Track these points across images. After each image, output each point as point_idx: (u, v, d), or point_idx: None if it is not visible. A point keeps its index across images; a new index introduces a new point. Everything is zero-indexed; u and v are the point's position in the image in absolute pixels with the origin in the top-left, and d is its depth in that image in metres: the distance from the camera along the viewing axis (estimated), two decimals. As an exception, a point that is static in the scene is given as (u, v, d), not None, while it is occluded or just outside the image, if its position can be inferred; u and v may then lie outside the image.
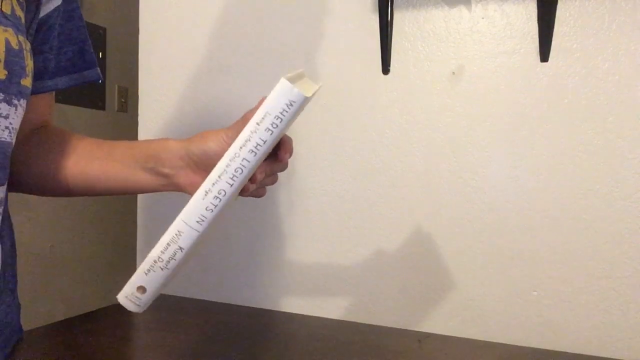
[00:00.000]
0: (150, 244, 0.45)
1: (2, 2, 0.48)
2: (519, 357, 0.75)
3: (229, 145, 0.41)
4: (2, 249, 0.54)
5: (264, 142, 0.39)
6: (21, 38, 0.49)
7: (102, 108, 2.17)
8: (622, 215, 0.76)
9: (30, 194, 0.61)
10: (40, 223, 1.89)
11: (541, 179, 0.80)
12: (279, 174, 0.53)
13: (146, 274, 0.42)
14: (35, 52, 0.56)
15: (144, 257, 0.43)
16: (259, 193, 0.53)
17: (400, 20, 0.88)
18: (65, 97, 1.97)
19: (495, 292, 0.83)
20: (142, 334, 0.83)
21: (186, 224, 0.41)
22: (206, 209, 0.40)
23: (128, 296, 0.42)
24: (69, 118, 2.00)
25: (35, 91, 0.56)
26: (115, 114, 2.23)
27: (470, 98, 0.84)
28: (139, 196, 1.11)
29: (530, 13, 0.80)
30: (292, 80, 0.39)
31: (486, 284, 0.84)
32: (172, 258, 0.41)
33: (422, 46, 0.87)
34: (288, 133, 0.47)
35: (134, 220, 1.12)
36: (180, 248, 0.41)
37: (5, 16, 0.48)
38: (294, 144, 0.51)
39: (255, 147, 0.39)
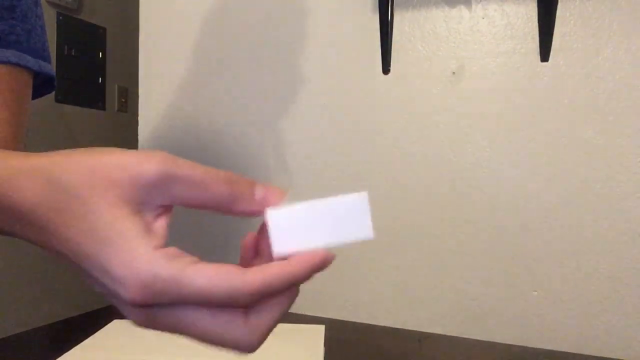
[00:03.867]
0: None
1: None
2: (519, 357, 0.75)
3: None
4: None
5: None
6: None
7: (102, 108, 2.17)
8: (623, 215, 0.76)
9: None
10: (40, 223, 1.89)
11: (541, 179, 0.80)
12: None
13: None
14: None
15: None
16: None
17: (400, 20, 0.88)
18: (65, 97, 1.97)
19: (495, 292, 0.83)
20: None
21: None
22: None
23: None
24: (69, 118, 2.00)
25: None
26: (115, 114, 2.23)
27: (470, 98, 0.84)
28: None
29: (530, 13, 0.81)
30: None
31: (486, 284, 0.84)
32: None
33: (422, 46, 0.87)
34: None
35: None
36: None
37: None
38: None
39: None
